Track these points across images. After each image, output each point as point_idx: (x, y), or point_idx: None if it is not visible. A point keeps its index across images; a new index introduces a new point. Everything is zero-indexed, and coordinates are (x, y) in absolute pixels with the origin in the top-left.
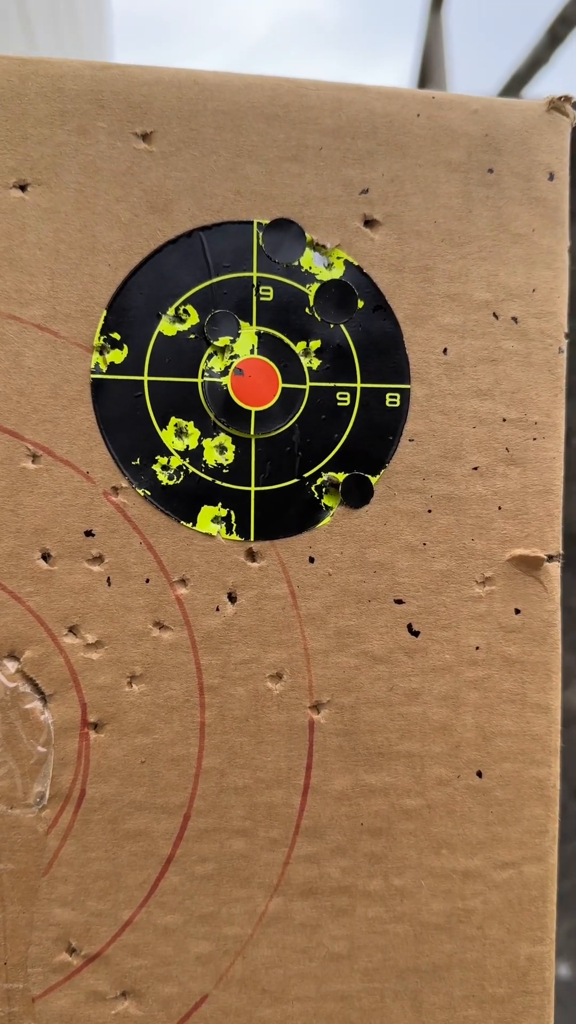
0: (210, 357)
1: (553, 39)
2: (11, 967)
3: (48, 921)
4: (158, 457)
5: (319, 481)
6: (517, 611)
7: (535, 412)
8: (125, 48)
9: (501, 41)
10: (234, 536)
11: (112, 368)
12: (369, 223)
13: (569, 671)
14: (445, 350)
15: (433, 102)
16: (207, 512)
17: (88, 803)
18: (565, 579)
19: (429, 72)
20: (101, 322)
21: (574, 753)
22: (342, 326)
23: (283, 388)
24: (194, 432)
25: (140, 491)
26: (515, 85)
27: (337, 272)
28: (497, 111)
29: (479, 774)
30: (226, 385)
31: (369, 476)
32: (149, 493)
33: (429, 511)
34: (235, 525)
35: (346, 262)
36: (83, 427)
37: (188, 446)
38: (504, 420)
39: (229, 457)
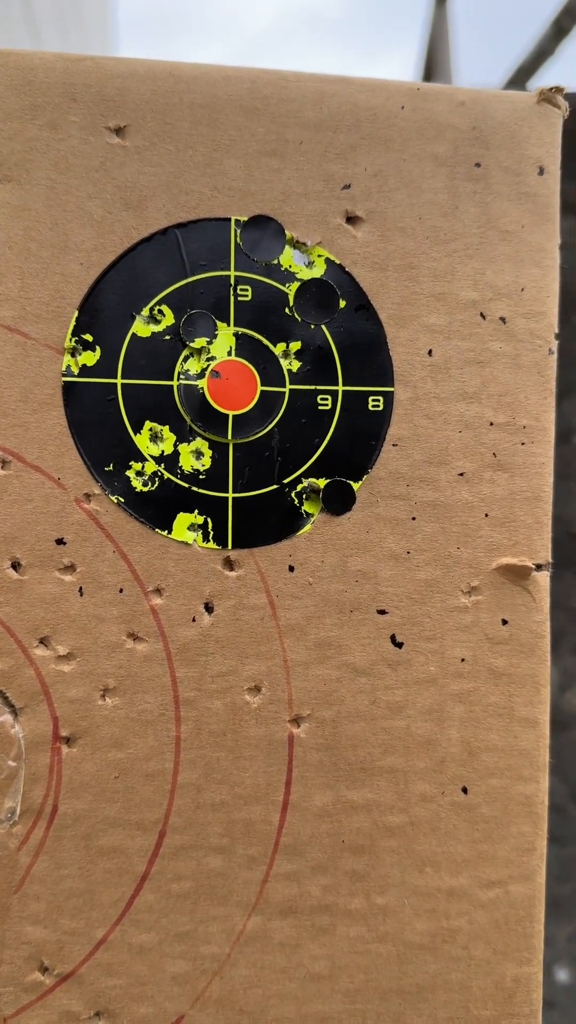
0: (186, 359)
1: (559, 31)
2: None
3: (20, 939)
4: (132, 463)
5: (299, 487)
6: (504, 622)
7: (524, 416)
8: (129, 42)
9: (506, 34)
10: (211, 544)
11: (84, 371)
12: (351, 220)
13: (570, 674)
14: (430, 351)
15: (419, 94)
16: (183, 519)
17: (61, 819)
18: (565, 580)
19: (434, 65)
20: (73, 323)
21: (574, 756)
22: (323, 327)
23: (262, 391)
24: (169, 437)
25: (113, 498)
26: (520, 78)
27: (318, 271)
28: (485, 103)
29: (464, 790)
30: (202, 388)
31: (351, 482)
32: (123, 500)
33: (413, 518)
34: (212, 533)
35: (327, 260)
36: (54, 432)
37: (163, 451)
38: (491, 424)
39: (206, 463)
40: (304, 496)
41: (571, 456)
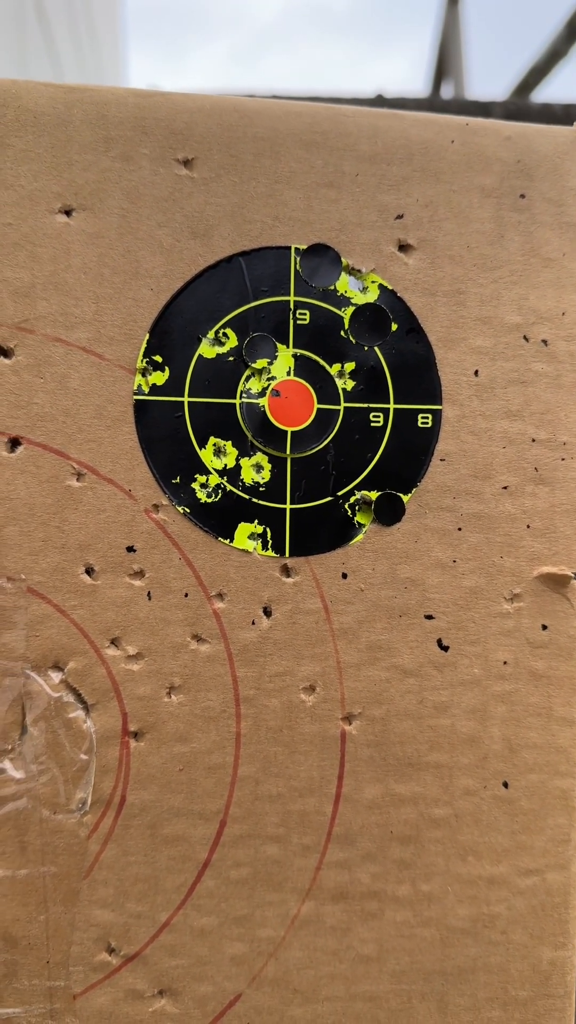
0: (248, 379)
1: (571, 32)
2: (53, 965)
3: (89, 922)
4: (197, 475)
5: (352, 499)
6: (544, 627)
7: (564, 433)
8: (138, 36)
9: (519, 35)
10: (270, 552)
11: (154, 389)
12: (403, 248)
13: None
14: (476, 372)
15: (467, 128)
16: (244, 529)
17: (128, 809)
18: None
19: (446, 65)
20: (144, 345)
21: None
22: (376, 348)
23: (318, 409)
24: (232, 451)
25: (180, 508)
26: (533, 79)
27: (372, 296)
28: (529, 137)
29: (505, 784)
30: (263, 406)
31: (401, 495)
32: (188, 510)
33: (459, 529)
34: (271, 542)
35: (380, 286)
36: (126, 446)
37: (226, 465)
38: (533, 440)
39: (265, 476)
40: (357, 507)
41: None
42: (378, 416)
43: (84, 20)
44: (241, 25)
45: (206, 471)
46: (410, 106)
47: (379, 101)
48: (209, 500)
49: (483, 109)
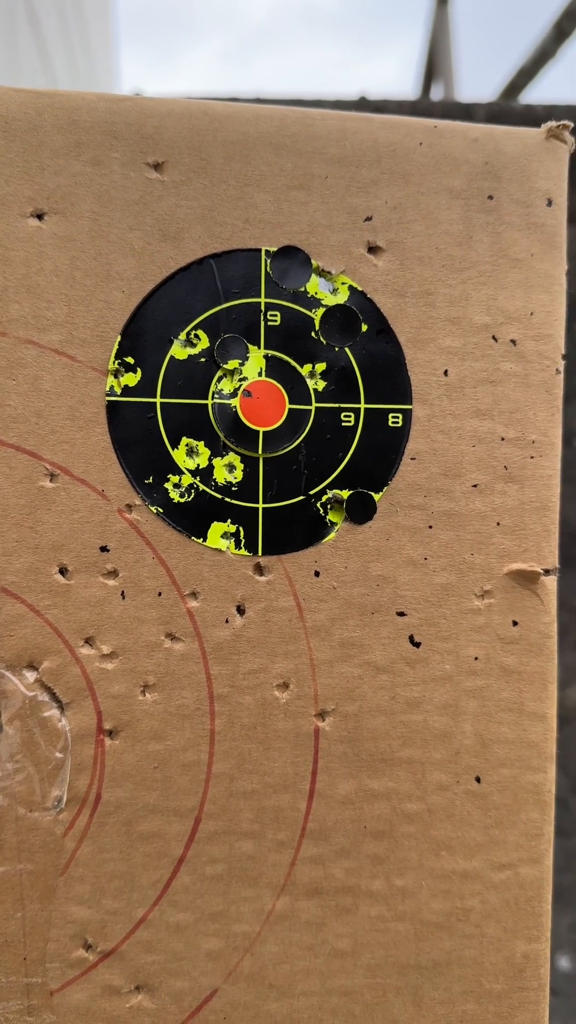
0: (220, 379)
1: (560, 33)
2: (31, 962)
3: (65, 919)
4: (170, 475)
5: (324, 498)
6: (515, 623)
7: (533, 431)
8: (129, 37)
9: (508, 35)
10: (243, 551)
11: (126, 391)
12: (373, 250)
13: (570, 669)
14: (446, 372)
15: (435, 131)
16: (217, 528)
17: (104, 806)
18: (566, 579)
19: (436, 65)
20: (116, 347)
21: (574, 749)
22: (347, 349)
23: (290, 409)
24: (204, 451)
25: (153, 508)
26: (521, 80)
27: (342, 297)
28: (497, 139)
29: (478, 779)
30: (235, 406)
31: (372, 493)
32: (161, 510)
33: (430, 527)
34: (243, 540)
35: (350, 287)
36: (99, 447)
37: (199, 465)
38: (503, 439)
39: (238, 475)
40: (329, 506)
41: (572, 459)
42: (349, 416)
43: (76, 23)
44: (231, 26)
45: (179, 471)
46: (392, 108)
47: (362, 104)
48: (182, 500)
49: (466, 111)
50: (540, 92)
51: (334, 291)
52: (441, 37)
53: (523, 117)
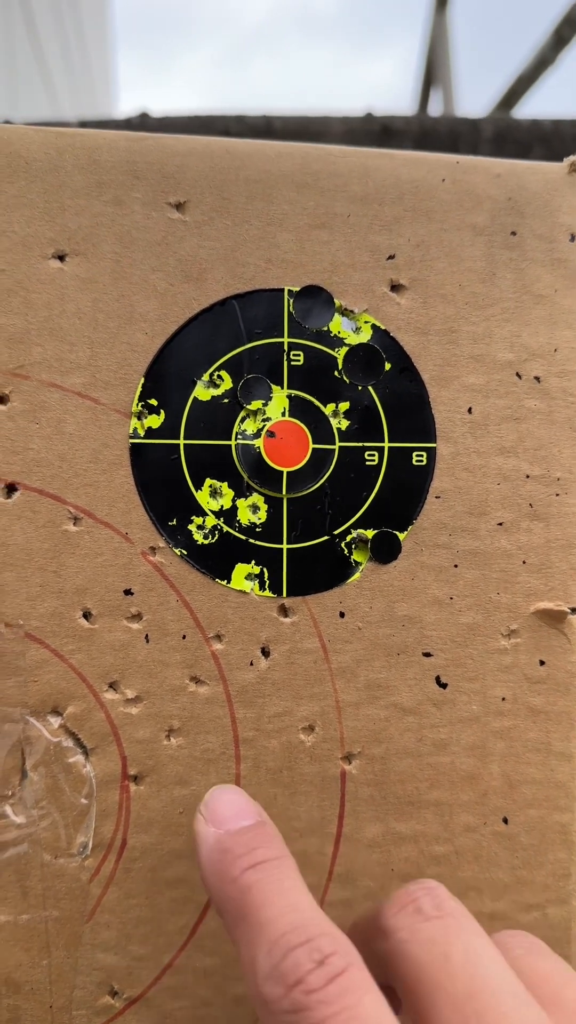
0: (243, 420)
1: (559, 40)
2: (56, 1010)
3: (92, 965)
4: (194, 517)
5: (349, 538)
6: (542, 662)
7: (558, 468)
8: (126, 42)
9: (507, 42)
10: (267, 592)
11: (150, 433)
12: (396, 288)
13: None
14: (470, 409)
15: (458, 167)
16: (241, 569)
17: (129, 852)
18: None
19: (435, 72)
20: (139, 389)
21: None
22: (370, 388)
23: (313, 449)
24: (228, 492)
25: (177, 550)
26: (520, 87)
27: (365, 336)
28: (520, 175)
29: (505, 820)
30: (259, 447)
31: (397, 532)
32: (185, 552)
33: (455, 566)
34: (268, 582)
35: (373, 326)
36: (122, 490)
37: (222, 506)
38: (527, 476)
39: (262, 516)
40: (353, 546)
41: None
42: (373, 455)
43: (73, 29)
44: (227, 30)
45: (203, 513)
46: (398, 124)
47: (368, 120)
48: (206, 541)
49: (472, 126)
50: (540, 99)
51: (357, 330)
52: (440, 43)
53: (530, 132)
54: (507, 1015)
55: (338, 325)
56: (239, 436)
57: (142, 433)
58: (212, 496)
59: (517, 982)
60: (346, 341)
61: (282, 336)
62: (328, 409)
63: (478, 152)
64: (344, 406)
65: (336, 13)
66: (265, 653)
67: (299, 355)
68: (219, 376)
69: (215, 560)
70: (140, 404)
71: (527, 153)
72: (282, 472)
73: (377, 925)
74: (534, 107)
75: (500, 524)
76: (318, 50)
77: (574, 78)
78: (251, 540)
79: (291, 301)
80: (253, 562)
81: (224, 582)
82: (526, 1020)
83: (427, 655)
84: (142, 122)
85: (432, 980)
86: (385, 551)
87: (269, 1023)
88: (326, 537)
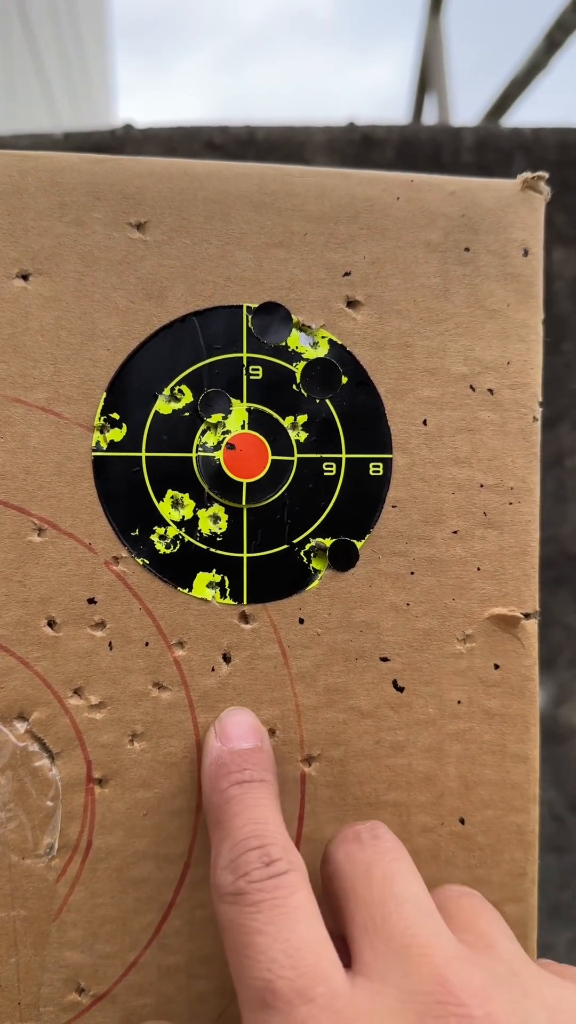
0: (204, 433)
1: (551, 44)
2: (24, 1007)
3: (59, 963)
4: (156, 527)
5: (307, 547)
6: (496, 666)
7: (511, 478)
8: (124, 48)
9: (500, 47)
10: (228, 600)
11: (112, 446)
12: (352, 304)
13: (566, 688)
14: (425, 421)
15: (412, 185)
16: (202, 578)
17: (95, 853)
18: (561, 597)
19: (429, 76)
20: (101, 403)
21: (572, 768)
22: (327, 401)
23: (272, 460)
24: (189, 503)
25: (139, 560)
26: (513, 91)
27: (322, 351)
28: (474, 192)
29: (462, 821)
30: (219, 459)
31: (355, 541)
32: (148, 562)
33: (412, 573)
34: (229, 590)
35: (330, 341)
36: (85, 501)
37: (184, 516)
38: (482, 486)
39: (222, 526)
40: (312, 554)
41: (565, 478)
42: (331, 466)
43: (71, 36)
44: (224, 33)
45: (164, 523)
46: (381, 133)
47: (351, 129)
48: (168, 551)
49: (454, 135)
50: (533, 102)
51: (314, 345)
52: (434, 47)
53: (511, 140)
54: (407, 919)
55: (296, 340)
56: (200, 448)
57: (104, 446)
58: (174, 507)
59: (429, 901)
60: (304, 356)
61: (241, 351)
62: (287, 422)
63: (460, 160)
64: (302, 419)
65: (333, 17)
66: (226, 659)
67: (258, 369)
68: (180, 390)
69: (177, 569)
70: (102, 418)
71: (509, 161)
72: (242, 483)
73: (324, 856)
74: (528, 114)
75: (455, 532)
76: (315, 53)
77: (567, 84)
78: (212, 549)
79: (250, 317)
80: (214, 571)
81: (186, 590)
82: (424, 927)
83: (384, 660)
84: (126, 133)
85: (354, 890)
86: (343, 559)
87: (218, 904)
88: (285, 546)
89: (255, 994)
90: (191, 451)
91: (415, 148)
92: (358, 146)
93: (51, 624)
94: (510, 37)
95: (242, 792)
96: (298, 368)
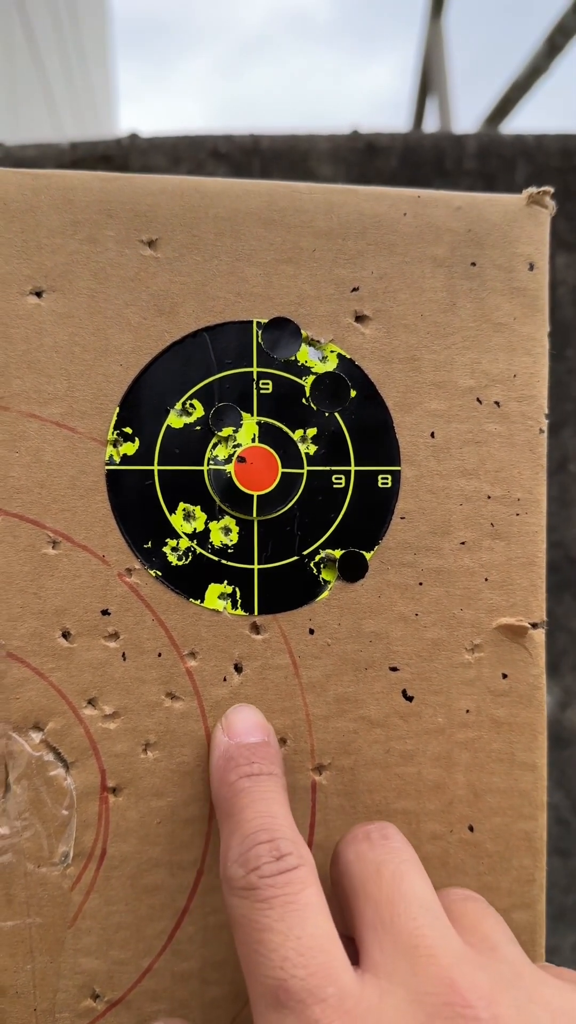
0: (215, 446)
1: (552, 48)
2: (40, 1013)
3: (74, 970)
4: (168, 540)
5: (317, 558)
6: (504, 676)
7: (518, 489)
8: (125, 51)
9: (501, 50)
10: (239, 611)
11: (125, 459)
12: (360, 319)
13: (571, 692)
14: (432, 434)
15: (419, 201)
16: (214, 589)
17: (109, 861)
18: (565, 602)
19: (430, 80)
20: (114, 418)
21: (575, 771)
22: (336, 414)
23: (283, 473)
24: (201, 516)
25: (152, 572)
26: (514, 94)
27: (331, 365)
28: (480, 207)
29: (471, 828)
30: (230, 472)
31: (364, 552)
32: (160, 573)
33: (420, 584)
34: (240, 601)
35: (339, 355)
36: (99, 514)
37: (195, 529)
38: (489, 497)
39: (234, 538)
40: (322, 565)
41: (569, 483)
42: (340, 478)
43: (73, 43)
44: (224, 37)
45: (176, 535)
46: (383, 141)
47: (354, 137)
48: (180, 563)
49: (456, 142)
50: (535, 106)
51: (323, 359)
52: (435, 51)
53: (513, 147)
54: (415, 919)
55: (305, 355)
56: (211, 462)
57: (118, 460)
58: (185, 519)
59: (436, 903)
60: (313, 370)
61: (251, 366)
62: (296, 435)
63: (463, 167)
64: (312, 432)
65: (333, 20)
66: (238, 669)
67: (268, 384)
68: (191, 405)
69: (189, 580)
70: (115, 432)
71: (512, 168)
72: (252, 496)
73: (334, 855)
74: (529, 117)
75: (463, 543)
76: (315, 58)
77: (568, 88)
78: (223, 561)
79: (260, 332)
80: (225, 582)
81: (198, 601)
82: (432, 928)
83: (394, 669)
84: (132, 142)
85: (364, 889)
86: (352, 570)
87: (229, 898)
88: (295, 557)
89: (267, 992)
90: (202, 464)
91: (418, 156)
92: (362, 154)
93: (66, 635)
94: (511, 41)
95: (251, 784)
96: (307, 382)
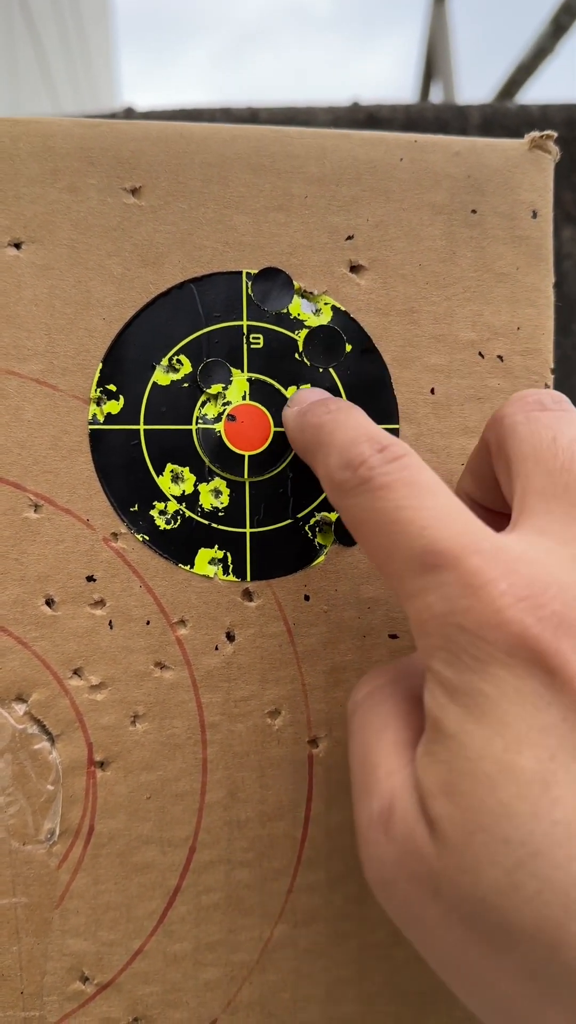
0: (203, 404)
1: (557, 28)
2: (28, 996)
3: (62, 951)
4: (155, 503)
5: (312, 521)
6: None
7: None
8: (128, 42)
9: (506, 32)
10: (231, 577)
11: (109, 418)
12: (355, 269)
13: None
14: (432, 390)
15: (415, 145)
16: (204, 554)
17: (97, 838)
18: None
19: (435, 63)
20: (97, 375)
21: None
22: (331, 370)
23: (275, 432)
24: (190, 477)
25: (139, 536)
26: (520, 76)
27: (325, 318)
28: (479, 152)
29: None
30: (219, 431)
31: None
32: (148, 538)
33: None
34: (232, 566)
35: (333, 308)
36: (82, 476)
37: (184, 491)
38: None
39: (224, 501)
40: (317, 529)
41: None
42: None
43: (74, 29)
44: (224, 28)
45: (164, 498)
46: (385, 113)
47: (355, 109)
48: (168, 527)
49: (460, 113)
50: (541, 87)
51: (317, 312)
52: (439, 35)
53: (518, 117)
54: None
55: (298, 307)
56: (200, 420)
57: (101, 419)
58: (173, 481)
59: None
60: (306, 323)
61: (241, 319)
62: (289, 392)
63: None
64: (306, 388)
65: (331, 10)
66: (230, 637)
67: (259, 338)
68: (178, 360)
69: (178, 545)
70: (99, 390)
71: (516, 138)
72: (244, 456)
73: (492, 432)
74: (535, 96)
75: None
76: (314, 47)
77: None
78: (214, 525)
79: (249, 284)
80: (216, 547)
81: (187, 567)
82: None
83: (393, 636)
84: (127, 116)
85: (536, 454)
86: (349, 534)
87: (345, 503)
88: (289, 520)
89: (412, 561)
90: (191, 423)
91: (421, 127)
92: (362, 125)
93: (49, 603)
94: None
95: (332, 416)
96: (300, 336)
